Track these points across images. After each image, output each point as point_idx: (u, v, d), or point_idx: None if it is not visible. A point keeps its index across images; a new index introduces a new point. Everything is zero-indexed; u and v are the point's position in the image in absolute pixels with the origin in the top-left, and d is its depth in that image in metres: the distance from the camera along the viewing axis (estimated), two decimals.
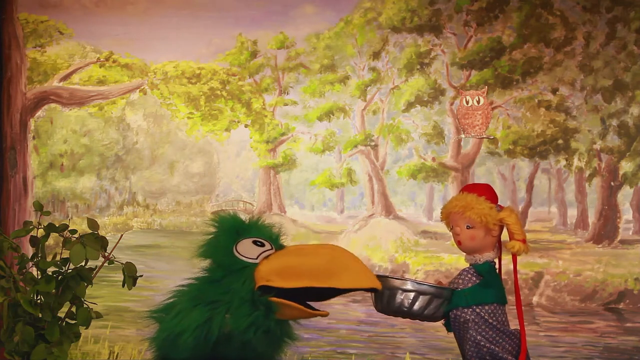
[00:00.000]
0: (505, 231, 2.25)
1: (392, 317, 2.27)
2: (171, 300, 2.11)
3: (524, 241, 2.20)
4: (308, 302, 2.08)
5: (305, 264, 2.02)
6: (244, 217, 2.21)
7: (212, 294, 2.03)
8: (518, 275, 2.30)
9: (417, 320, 2.26)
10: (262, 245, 2.10)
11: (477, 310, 2.18)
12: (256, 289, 2.00)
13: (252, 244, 2.09)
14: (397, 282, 2.21)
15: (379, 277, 2.24)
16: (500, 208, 2.24)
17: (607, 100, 3.82)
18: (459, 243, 2.25)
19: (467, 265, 2.27)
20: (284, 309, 2.00)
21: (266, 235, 2.14)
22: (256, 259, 2.06)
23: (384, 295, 2.20)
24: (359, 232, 3.90)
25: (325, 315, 2.05)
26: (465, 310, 2.19)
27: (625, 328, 3.73)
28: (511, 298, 2.24)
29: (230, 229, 2.14)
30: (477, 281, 2.21)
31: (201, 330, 1.98)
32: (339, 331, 3.80)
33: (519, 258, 2.27)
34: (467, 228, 2.22)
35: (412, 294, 2.19)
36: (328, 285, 1.98)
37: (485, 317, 2.17)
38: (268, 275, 2.01)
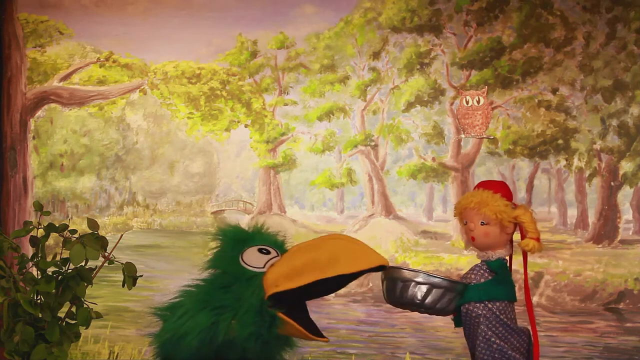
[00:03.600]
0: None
1: (402, 310, 2.27)
2: (177, 299, 2.11)
3: (538, 239, 2.20)
4: (311, 318, 2.09)
5: (308, 260, 2.01)
6: (246, 227, 2.21)
7: (220, 299, 2.02)
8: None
9: (427, 314, 2.26)
10: (268, 252, 2.09)
11: (489, 305, 2.19)
12: (266, 299, 2.00)
13: (257, 252, 2.09)
14: (410, 274, 2.20)
15: (392, 268, 2.25)
16: (515, 206, 2.25)
17: (607, 100, 3.82)
18: (472, 239, 2.25)
19: (472, 262, 2.28)
20: (287, 326, 2.00)
21: (271, 242, 2.14)
22: (263, 267, 2.06)
23: (396, 287, 2.20)
24: (359, 232, 3.89)
25: (325, 341, 2.06)
26: (477, 305, 2.19)
27: (625, 328, 3.73)
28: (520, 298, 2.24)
29: (235, 240, 2.14)
30: (490, 277, 2.22)
31: (206, 333, 1.98)
32: (339, 331, 3.80)
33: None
34: (481, 224, 2.22)
35: (425, 287, 2.18)
36: (333, 274, 1.97)
37: (497, 313, 2.18)
38: (276, 281, 2.01)
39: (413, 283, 2.18)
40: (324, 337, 2.05)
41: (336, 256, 1.98)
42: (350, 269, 1.97)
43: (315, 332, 2.05)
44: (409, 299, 2.19)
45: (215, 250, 2.15)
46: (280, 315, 1.98)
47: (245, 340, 1.97)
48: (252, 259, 2.07)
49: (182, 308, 2.05)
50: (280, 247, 2.14)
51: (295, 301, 2.04)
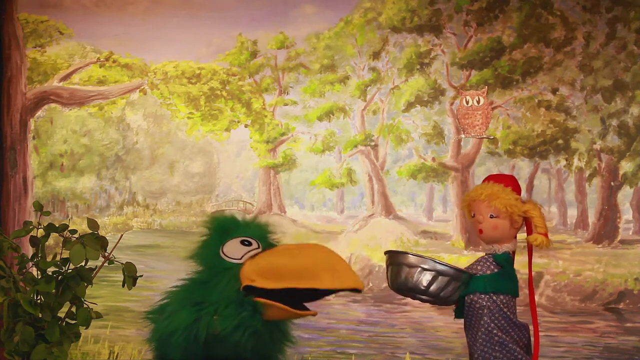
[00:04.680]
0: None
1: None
2: (164, 301, 2.12)
3: (546, 235, 2.21)
4: (304, 304, 2.07)
5: (288, 265, 1.99)
6: (238, 217, 2.19)
7: (199, 295, 2.02)
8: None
9: (430, 303, 2.25)
10: (249, 244, 2.08)
11: (494, 297, 2.19)
12: (241, 289, 1.99)
13: (239, 243, 2.08)
14: (417, 260, 2.20)
15: (399, 253, 2.23)
16: (523, 201, 2.25)
17: (607, 100, 3.82)
18: (480, 232, 2.25)
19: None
20: (268, 309, 1.99)
21: (255, 234, 2.12)
22: (240, 259, 2.05)
23: (401, 273, 2.19)
24: (359, 232, 3.90)
25: (313, 315, 2.02)
26: (483, 296, 2.20)
27: (625, 328, 3.73)
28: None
29: (219, 230, 2.13)
30: (496, 269, 2.22)
31: (190, 330, 1.98)
32: (339, 331, 3.80)
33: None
34: (490, 217, 2.23)
35: (430, 274, 2.18)
36: (309, 286, 1.95)
37: (500, 305, 2.19)
38: (251, 275, 2.00)
39: (419, 269, 2.18)
40: (309, 310, 2.02)
41: (315, 269, 1.96)
42: (327, 285, 1.94)
43: (300, 308, 2.03)
44: (414, 284, 2.18)
45: (200, 240, 2.14)
46: (259, 299, 1.97)
47: (232, 334, 1.96)
48: (232, 250, 2.06)
49: (168, 308, 2.06)
50: (263, 240, 2.12)
51: (269, 297, 2.02)
